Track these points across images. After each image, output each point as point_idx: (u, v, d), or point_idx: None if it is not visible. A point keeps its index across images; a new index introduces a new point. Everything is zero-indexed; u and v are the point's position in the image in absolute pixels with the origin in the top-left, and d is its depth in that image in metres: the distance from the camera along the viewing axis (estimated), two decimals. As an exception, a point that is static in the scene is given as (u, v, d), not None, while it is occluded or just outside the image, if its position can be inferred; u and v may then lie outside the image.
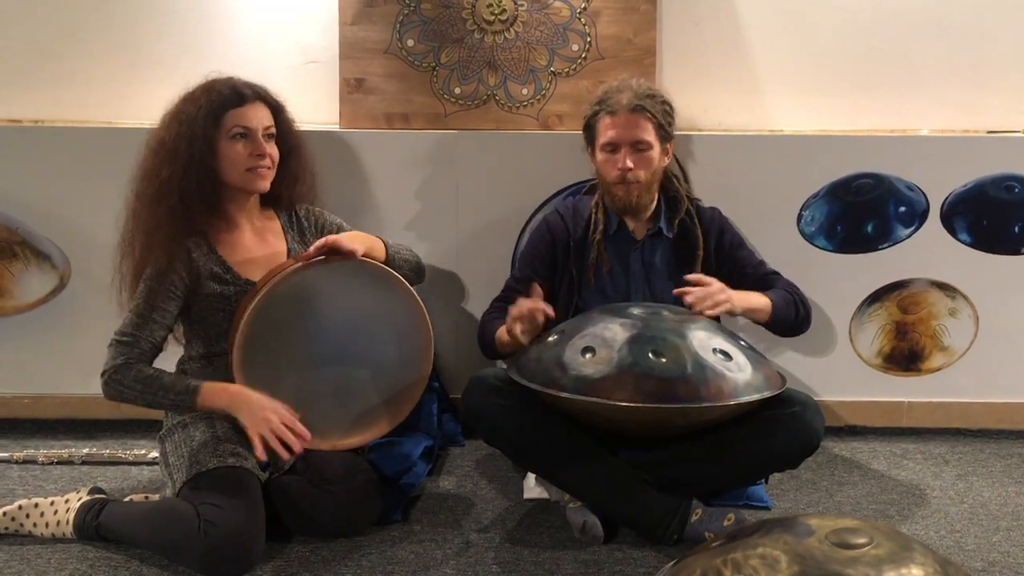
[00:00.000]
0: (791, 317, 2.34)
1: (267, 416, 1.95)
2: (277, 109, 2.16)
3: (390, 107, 2.67)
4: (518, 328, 2.15)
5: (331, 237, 2.09)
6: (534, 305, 2.14)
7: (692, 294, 2.17)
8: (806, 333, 2.67)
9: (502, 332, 2.28)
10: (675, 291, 2.21)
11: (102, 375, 2.01)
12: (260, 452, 1.94)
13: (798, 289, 2.40)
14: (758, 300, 2.30)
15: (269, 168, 2.14)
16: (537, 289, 2.20)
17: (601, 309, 2.19)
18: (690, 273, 2.35)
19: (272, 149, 2.14)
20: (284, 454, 1.94)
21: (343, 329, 2.12)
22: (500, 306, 2.41)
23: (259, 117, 2.11)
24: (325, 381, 2.12)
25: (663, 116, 2.32)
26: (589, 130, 2.38)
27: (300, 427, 1.97)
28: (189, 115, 2.06)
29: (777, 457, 2.11)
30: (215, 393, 2.00)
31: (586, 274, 2.38)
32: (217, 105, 2.06)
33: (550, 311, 2.15)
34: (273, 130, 2.14)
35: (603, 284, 2.39)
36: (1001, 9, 2.66)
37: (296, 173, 2.24)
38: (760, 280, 2.39)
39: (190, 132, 2.05)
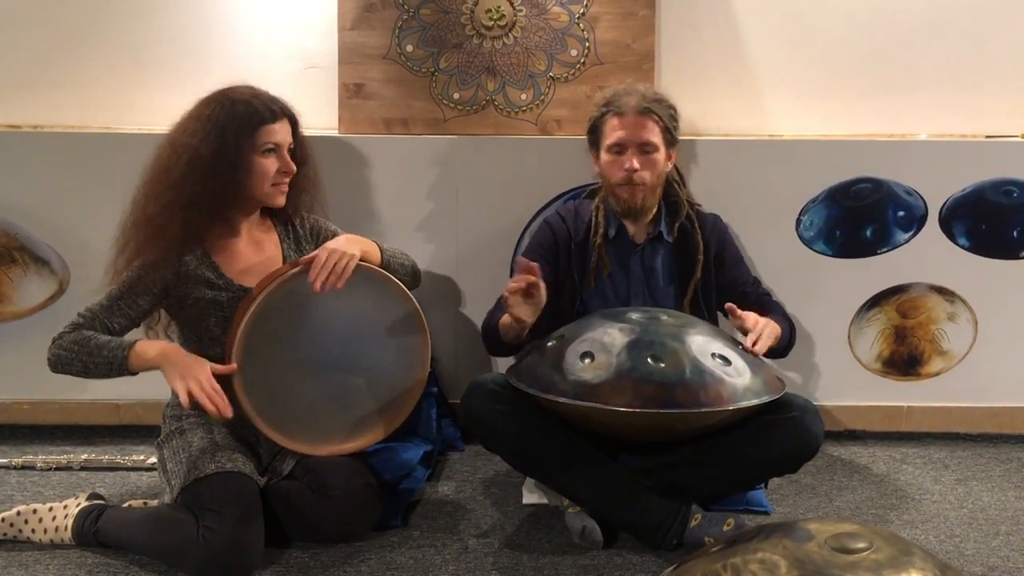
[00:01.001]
0: (786, 343, 2.32)
1: (196, 376, 1.92)
2: (294, 123, 2.17)
3: (389, 112, 2.68)
4: (513, 304, 2.10)
5: (319, 256, 2.05)
6: (520, 283, 2.09)
7: (753, 337, 2.11)
8: (805, 336, 2.67)
9: (505, 317, 2.24)
10: (729, 306, 2.15)
11: (50, 342, 2.01)
12: (185, 401, 1.90)
13: (790, 318, 2.38)
14: (777, 331, 2.23)
15: (287, 183, 2.15)
16: (524, 263, 2.13)
17: (600, 314, 2.19)
18: (690, 278, 2.35)
19: (293, 164, 2.16)
20: (212, 411, 1.89)
21: (340, 334, 2.12)
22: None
23: (285, 133, 2.12)
24: (323, 387, 2.12)
25: (669, 120, 2.33)
26: (594, 132, 2.37)
27: (223, 398, 1.92)
28: (225, 125, 2.04)
29: (776, 462, 2.11)
30: (146, 348, 1.97)
31: (587, 277, 2.38)
32: (255, 119, 2.06)
33: (538, 283, 2.09)
34: (292, 145, 2.15)
35: (603, 287, 2.39)
36: (1000, 14, 2.67)
37: (302, 186, 2.23)
38: (756, 300, 2.38)
39: (226, 144, 2.03)
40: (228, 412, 1.91)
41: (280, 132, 2.10)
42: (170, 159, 2.07)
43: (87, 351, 1.97)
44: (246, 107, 2.06)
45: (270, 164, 2.09)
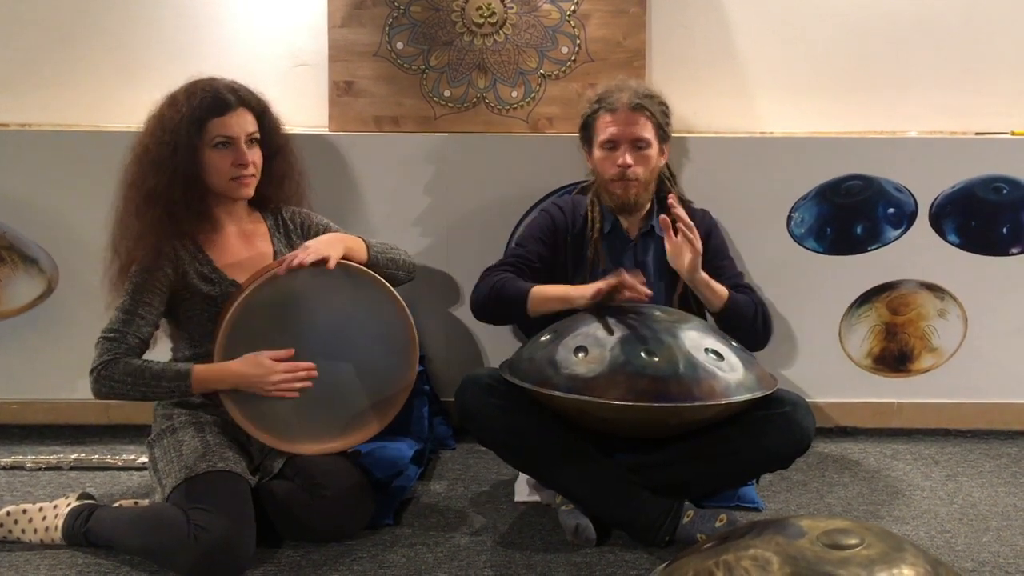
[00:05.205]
0: (747, 317, 2.29)
1: (271, 379, 2.00)
2: (261, 112, 2.14)
3: (380, 110, 2.67)
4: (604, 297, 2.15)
5: (301, 253, 2.06)
6: (634, 291, 2.12)
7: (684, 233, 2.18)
8: (796, 333, 2.67)
9: (547, 288, 2.27)
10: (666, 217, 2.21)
11: (91, 373, 2.00)
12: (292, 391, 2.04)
13: (765, 306, 2.36)
14: (718, 286, 2.28)
15: (253, 175, 2.12)
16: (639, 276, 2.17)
17: (594, 309, 2.19)
18: (679, 274, 2.35)
19: (255, 155, 2.12)
20: (299, 390, 2.04)
21: (326, 332, 2.11)
22: (512, 269, 2.35)
23: (242, 124, 2.08)
24: (310, 385, 2.11)
25: (661, 116, 2.33)
26: (587, 128, 2.37)
27: (299, 368, 2.03)
28: (172, 122, 2.04)
29: (768, 457, 2.12)
30: (208, 378, 2.01)
31: (581, 271, 2.38)
32: (200, 113, 2.04)
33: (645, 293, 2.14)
34: (257, 135, 2.12)
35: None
36: (990, 13, 2.67)
37: (282, 174, 2.22)
38: (732, 290, 2.37)
39: (174, 141, 2.03)
40: (311, 372, 2.05)
41: (234, 124, 2.07)
42: (132, 161, 2.09)
43: (143, 382, 1.99)
44: (191, 100, 2.05)
45: (223, 158, 2.07)
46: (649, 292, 2.14)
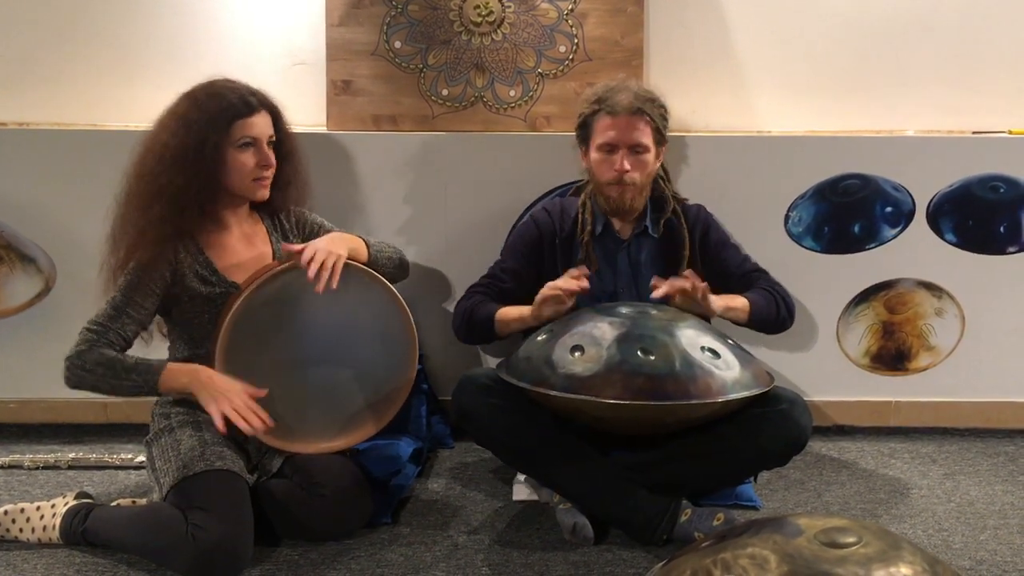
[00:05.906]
0: (772, 316, 2.35)
1: (229, 397, 1.95)
2: (276, 115, 2.15)
3: (378, 109, 2.67)
4: (546, 311, 2.20)
5: (302, 249, 2.05)
6: (566, 285, 2.17)
7: (673, 287, 2.17)
8: (794, 332, 2.67)
9: (508, 311, 2.30)
10: (654, 284, 2.19)
11: (65, 360, 1.99)
12: (220, 425, 1.92)
13: (781, 287, 2.40)
14: (736, 300, 2.31)
15: (270, 177, 2.13)
16: (584, 269, 2.22)
17: (590, 308, 2.20)
18: (677, 271, 2.36)
19: (273, 157, 2.13)
20: (247, 429, 1.93)
21: (326, 332, 2.12)
22: (484, 291, 2.40)
23: (263, 126, 2.09)
24: (309, 384, 2.11)
25: (660, 120, 2.33)
26: (584, 128, 2.37)
27: (261, 412, 1.95)
28: (197, 122, 2.03)
29: (765, 454, 2.12)
30: (176, 373, 2.00)
31: None
32: (228, 113, 2.04)
33: (584, 285, 2.19)
34: (274, 138, 2.14)
35: (591, 284, 2.39)
36: (987, 12, 2.68)
37: (289, 178, 2.22)
38: (743, 279, 2.40)
39: (199, 139, 2.02)
40: (267, 424, 1.95)
41: (257, 125, 2.08)
42: (144, 156, 2.07)
43: (113, 373, 1.97)
44: (219, 101, 2.04)
45: (247, 158, 2.07)
46: (585, 285, 2.19)
